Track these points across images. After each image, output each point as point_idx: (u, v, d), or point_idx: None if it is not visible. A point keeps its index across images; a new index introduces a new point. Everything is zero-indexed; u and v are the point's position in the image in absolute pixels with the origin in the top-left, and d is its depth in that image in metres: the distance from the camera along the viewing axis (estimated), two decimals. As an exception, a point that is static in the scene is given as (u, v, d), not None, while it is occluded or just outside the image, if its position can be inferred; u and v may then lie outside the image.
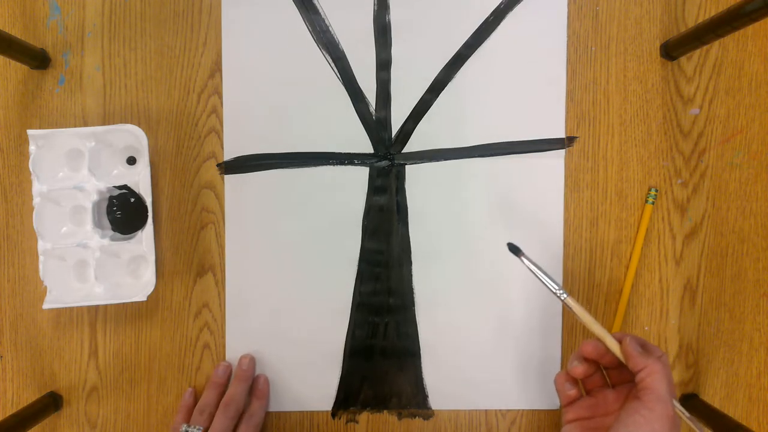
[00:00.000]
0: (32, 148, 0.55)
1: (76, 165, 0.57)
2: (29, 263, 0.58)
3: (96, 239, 0.56)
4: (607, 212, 0.58)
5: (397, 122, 0.58)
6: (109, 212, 0.58)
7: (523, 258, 0.50)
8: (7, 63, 0.58)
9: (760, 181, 0.58)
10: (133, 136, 0.56)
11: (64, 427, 0.59)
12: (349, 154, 0.58)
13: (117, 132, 0.56)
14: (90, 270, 0.56)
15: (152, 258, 0.56)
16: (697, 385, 0.58)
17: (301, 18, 0.58)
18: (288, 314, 0.58)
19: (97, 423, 0.59)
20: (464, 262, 0.58)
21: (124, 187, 0.57)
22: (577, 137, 0.58)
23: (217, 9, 0.58)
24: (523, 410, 0.59)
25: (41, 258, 0.55)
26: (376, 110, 0.58)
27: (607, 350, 0.46)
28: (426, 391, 0.58)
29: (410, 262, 0.58)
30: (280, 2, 0.58)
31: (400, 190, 0.58)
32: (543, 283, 0.49)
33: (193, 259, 0.58)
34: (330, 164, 0.58)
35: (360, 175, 0.58)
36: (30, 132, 0.55)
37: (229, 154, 0.58)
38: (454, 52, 0.58)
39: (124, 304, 0.58)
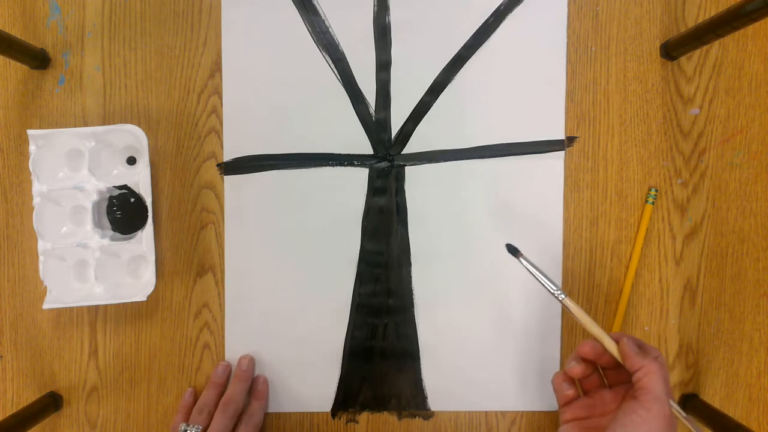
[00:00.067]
0: (32, 148, 0.55)
1: (76, 165, 0.57)
2: (29, 263, 0.58)
3: (96, 239, 0.56)
4: (607, 212, 0.58)
5: (396, 123, 0.58)
6: (109, 212, 0.58)
7: (521, 259, 0.50)
8: (7, 63, 0.58)
9: (760, 181, 0.58)
10: (133, 136, 0.56)
11: (64, 427, 0.59)
12: (349, 155, 0.58)
13: (117, 132, 0.56)
14: (90, 270, 0.56)
15: (152, 258, 0.56)
16: (697, 385, 0.58)
17: (300, 19, 0.58)
18: (287, 315, 0.58)
19: (97, 423, 0.59)
20: (464, 263, 0.58)
21: (124, 187, 0.57)
22: (577, 137, 0.58)
23: (217, 9, 0.58)
24: (522, 411, 0.59)
25: (41, 258, 0.56)
26: (375, 111, 0.58)
27: (605, 350, 0.46)
28: (425, 392, 0.58)
29: (410, 263, 0.58)
30: (280, 2, 0.58)
31: (400, 191, 0.58)
32: (541, 283, 0.49)
33: (193, 259, 0.59)
34: (330, 165, 0.58)
35: (360, 176, 0.58)
36: (30, 132, 0.55)
37: (229, 154, 0.58)
38: (454, 53, 0.58)
39: (124, 304, 0.58)
